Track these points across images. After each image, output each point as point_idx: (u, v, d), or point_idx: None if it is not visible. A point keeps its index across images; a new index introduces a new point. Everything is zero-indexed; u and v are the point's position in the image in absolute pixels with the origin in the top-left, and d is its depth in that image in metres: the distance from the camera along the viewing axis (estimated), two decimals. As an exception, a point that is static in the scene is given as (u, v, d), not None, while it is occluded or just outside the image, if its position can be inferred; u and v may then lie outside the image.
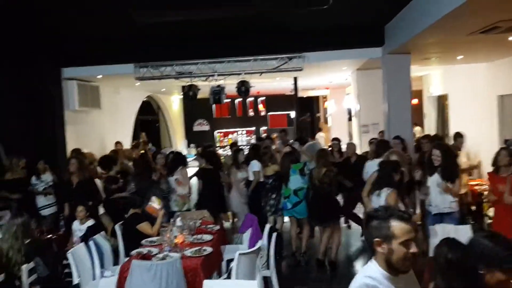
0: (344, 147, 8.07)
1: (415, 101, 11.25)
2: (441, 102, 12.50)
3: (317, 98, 18.84)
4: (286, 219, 6.91)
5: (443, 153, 5.20)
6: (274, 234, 4.86)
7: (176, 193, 6.81)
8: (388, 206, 2.32)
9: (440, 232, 4.51)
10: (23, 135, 7.66)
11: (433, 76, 12.38)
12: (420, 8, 6.04)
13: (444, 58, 9.22)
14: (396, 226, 2.00)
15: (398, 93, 7.94)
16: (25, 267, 4.07)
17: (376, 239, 2.02)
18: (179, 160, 7.16)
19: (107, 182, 6.55)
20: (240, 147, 8.53)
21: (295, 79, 11.45)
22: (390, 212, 2.06)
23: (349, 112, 13.85)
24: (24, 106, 7.80)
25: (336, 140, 8.09)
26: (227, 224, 7.94)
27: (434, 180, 5.23)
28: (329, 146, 8.71)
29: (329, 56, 8.41)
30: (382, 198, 4.53)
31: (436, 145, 5.51)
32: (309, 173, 6.23)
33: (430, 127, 12.76)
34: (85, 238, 4.99)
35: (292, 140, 9.09)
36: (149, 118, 14.63)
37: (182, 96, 13.58)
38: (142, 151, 9.77)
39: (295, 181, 6.28)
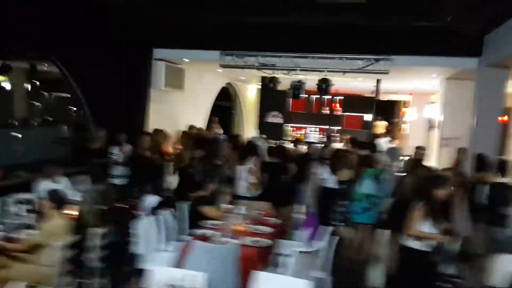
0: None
1: (504, 118, 10.41)
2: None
3: (397, 102, 18.09)
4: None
5: None
6: (335, 238, 4.77)
7: (249, 181, 6.88)
8: None
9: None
10: (112, 108, 8.20)
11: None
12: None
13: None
14: None
15: (489, 108, 7.42)
16: (99, 231, 4.37)
17: None
18: (251, 150, 7.21)
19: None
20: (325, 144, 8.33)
21: (378, 81, 11.07)
22: None
23: (430, 122, 13.13)
24: (116, 81, 8.34)
25: (421, 149, 7.63)
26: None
27: None
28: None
29: (419, 61, 8.02)
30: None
31: None
32: (398, 180, 6.00)
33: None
34: (154, 212, 5.25)
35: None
36: (225, 104, 14.95)
37: (259, 86, 13.74)
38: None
39: (367, 186, 6.09)
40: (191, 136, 8.90)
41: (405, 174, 5.90)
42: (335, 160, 6.88)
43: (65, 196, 4.44)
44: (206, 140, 7.98)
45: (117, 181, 7.32)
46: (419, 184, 4.55)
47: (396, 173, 6.21)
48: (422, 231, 4.22)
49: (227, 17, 6.95)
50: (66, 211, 4.49)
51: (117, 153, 7.45)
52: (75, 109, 10.35)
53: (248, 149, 7.20)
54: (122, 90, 8.50)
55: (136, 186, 6.19)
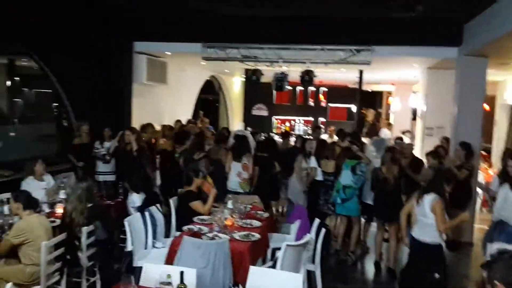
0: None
1: (486, 107, 10.59)
2: (516, 111, 11.68)
3: (380, 93, 18.25)
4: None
5: None
6: (323, 230, 4.82)
7: (242, 176, 6.88)
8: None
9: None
10: (94, 102, 8.07)
11: (509, 83, 11.58)
12: (506, 9, 5.62)
13: (526, 65, 8.58)
14: None
15: (470, 97, 7.51)
16: (85, 229, 4.33)
17: (497, 283, 2.14)
18: (246, 146, 7.19)
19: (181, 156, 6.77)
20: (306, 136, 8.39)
21: (361, 72, 11.14)
22: None
23: (414, 112, 13.30)
24: (97, 76, 8.20)
25: (400, 139, 7.77)
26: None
27: (504, 192, 4.96)
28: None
29: (400, 51, 8.05)
30: (425, 203, 4.30)
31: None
32: (374, 170, 6.07)
33: (499, 136, 12.01)
34: (141, 208, 5.21)
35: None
36: (209, 97, 14.88)
37: (243, 79, 13.70)
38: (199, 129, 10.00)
39: (345, 177, 6.16)
40: (172, 130, 8.83)
41: (382, 165, 5.95)
42: (322, 152, 6.94)
43: (30, 196, 4.34)
44: (186, 134, 7.92)
45: (102, 178, 7.25)
46: (433, 179, 4.53)
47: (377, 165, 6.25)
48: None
49: (208, 9, 6.87)
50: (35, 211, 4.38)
51: (101, 148, 7.36)
52: (56, 105, 10.17)
53: (243, 145, 7.15)
54: (104, 85, 8.36)
55: (122, 182, 6.13)
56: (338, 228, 6.55)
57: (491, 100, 12.41)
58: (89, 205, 4.49)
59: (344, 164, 6.23)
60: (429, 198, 4.29)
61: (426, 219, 4.29)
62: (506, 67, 8.92)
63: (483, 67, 7.49)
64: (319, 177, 6.76)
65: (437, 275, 4.22)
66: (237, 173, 6.84)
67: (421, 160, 6.92)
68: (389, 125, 10.06)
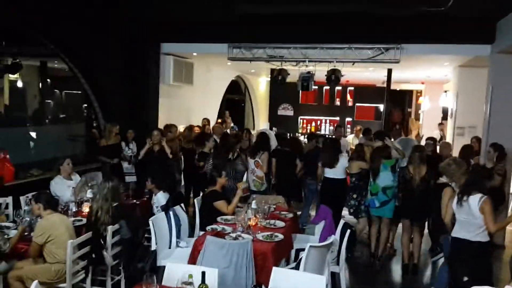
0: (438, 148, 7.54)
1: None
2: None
3: (410, 92, 17.85)
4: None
5: None
6: (348, 231, 4.72)
7: (255, 173, 6.90)
8: None
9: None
10: (121, 103, 8.23)
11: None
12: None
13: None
14: None
15: (503, 96, 7.23)
16: (110, 228, 4.38)
17: None
18: (263, 144, 7.18)
19: (201, 158, 6.83)
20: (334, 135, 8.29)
21: (389, 70, 10.90)
22: None
23: (444, 111, 12.92)
24: (125, 77, 8.34)
25: (431, 139, 7.51)
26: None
27: None
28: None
29: (430, 49, 7.84)
30: (472, 204, 4.13)
31: None
32: (401, 169, 5.90)
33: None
34: (165, 208, 5.25)
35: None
36: (235, 97, 14.92)
37: (269, 79, 13.67)
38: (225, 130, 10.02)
39: (385, 178, 5.90)
40: (191, 131, 8.87)
41: (409, 164, 5.77)
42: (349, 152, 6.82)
43: (50, 196, 4.43)
44: (207, 135, 7.94)
45: (129, 178, 7.37)
46: (474, 179, 4.33)
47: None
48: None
49: (234, 9, 6.86)
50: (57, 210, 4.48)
51: (128, 149, 7.48)
52: (86, 105, 10.42)
53: (261, 143, 7.15)
54: (131, 86, 8.51)
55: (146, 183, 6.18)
56: (375, 232, 6.29)
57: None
58: (115, 204, 4.55)
59: (382, 165, 5.98)
60: (476, 198, 4.12)
61: (473, 219, 4.13)
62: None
63: (518, 64, 7.21)
64: (343, 176, 6.62)
65: (466, 278, 4.07)
66: (251, 171, 6.83)
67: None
68: (417, 136, 9.66)
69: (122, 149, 7.49)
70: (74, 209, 5.23)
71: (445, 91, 13.07)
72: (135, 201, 5.84)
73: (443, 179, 5.19)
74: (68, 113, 12.11)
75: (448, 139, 10.38)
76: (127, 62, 8.39)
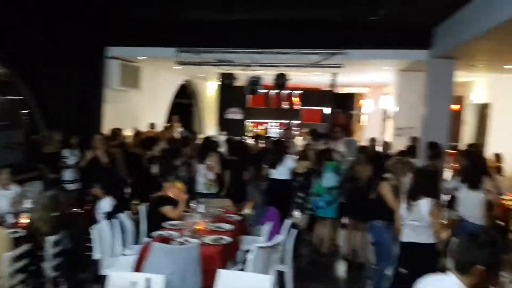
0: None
1: (456, 107, 10.86)
2: (483, 110, 12.01)
3: (354, 95, 18.48)
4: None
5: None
6: (294, 230, 4.82)
7: (208, 177, 6.89)
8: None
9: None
10: (64, 109, 7.92)
11: (477, 83, 11.89)
12: (472, 14, 5.79)
13: (491, 66, 8.85)
14: (504, 258, 2.15)
15: (439, 98, 7.70)
16: (50, 239, 4.22)
17: (479, 266, 2.08)
18: (210, 146, 7.19)
19: (149, 162, 6.69)
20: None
21: (334, 74, 11.24)
22: (499, 243, 2.14)
23: (385, 113, 13.51)
24: (68, 82, 8.04)
25: (372, 140, 7.84)
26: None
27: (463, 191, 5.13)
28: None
29: (372, 54, 8.22)
30: (422, 208, 4.20)
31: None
32: (348, 169, 6.11)
33: (468, 135, 12.31)
34: (109, 215, 5.12)
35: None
36: (184, 101, 14.79)
37: (218, 83, 13.67)
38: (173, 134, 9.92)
39: (329, 179, 6.14)
40: (139, 136, 8.74)
41: (356, 164, 6.01)
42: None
43: None
44: (154, 140, 7.85)
45: (70, 186, 7.10)
46: (424, 181, 4.36)
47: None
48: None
49: (182, 14, 6.84)
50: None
51: (70, 156, 7.21)
52: (27, 112, 9.93)
53: (206, 146, 7.16)
54: (75, 91, 8.23)
55: (90, 190, 6.00)
56: (321, 232, 6.47)
57: (461, 100, 12.74)
58: (55, 214, 4.38)
59: (325, 167, 6.19)
60: (426, 202, 4.18)
61: (424, 223, 4.19)
62: (473, 69, 9.16)
63: (452, 69, 7.71)
64: (289, 177, 6.76)
65: (403, 270, 4.26)
66: (202, 175, 6.85)
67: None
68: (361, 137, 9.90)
69: (65, 156, 7.20)
70: (11, 221, 4.97)
71: (386, 94, 13.67)
72: (77, 210, 5.65)
73: (388, 176, 5.41)
74: (7, 120, 11.48)
75: (388, 139, 10.87)
76: (71, 66, 8.10)
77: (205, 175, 6.87)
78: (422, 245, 4.22)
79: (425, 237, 4.21)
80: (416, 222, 4.22)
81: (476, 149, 7.68)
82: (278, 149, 6.90)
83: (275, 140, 7.63)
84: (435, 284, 2.27)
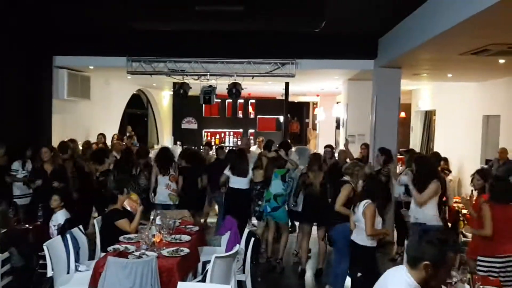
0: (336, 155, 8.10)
1: (402, 114, 11.39)
2: (429, 117, 12.68)
3: (307, 104, 18.93)
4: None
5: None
6: (252, 239, 4.87)
7: (171, 188, 6.81)
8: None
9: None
10: (9, 121, 7.56)
11: (422, 91, 12.55)
12: (414, 25, 6.12)
13: (435, 75, 9.36)
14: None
15: (386, 106, 8.03)
16: (-1, 257, 4.03)
17: (426, 262, 2.19)
18: (170, 157, 7.12)
19: (103, 176, 6.53)
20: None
21: (287, 84, 11.48)
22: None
23: (337, 121, 13.93)
24: (13, 91, 7.70)
25: (329, 147, 8.01)
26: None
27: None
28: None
29: (322, 64, 8.48)
30: (359, 209, 4.57)
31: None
32: (300, 175, 6.27)
33: (415, 141, 12.93)
34: (62, 231, 4.94)
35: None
36: (137, 111, 14.55)
37: (172, 92, 13.57)
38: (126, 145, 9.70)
39: (276, 186, 6.30)
40: (90, 147, 8.51)
41: (308, 171, 6.19)
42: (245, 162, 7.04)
43: None
44: (105, 152, 7.68)
45: (20, 201, 6.77)
46: (367, 188, 4.76)
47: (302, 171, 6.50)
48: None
49: (131, 23, 6.73)
50: None
51: (19, 169, 6.88)
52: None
53: (166, 157, 7.07)
54: (22, 101, 7.89)
55: (40, 204, 5.75)
56: (266, 236, 6.62)
57: (408, 108, 13.39)
58: (3, 230, 4.19)
59: (273, 174, 6.36)
60: (362, 204, 4.55)
61: (361, 224, 4.54)
62: (418, 77, 9.66)
63: (397, 77, 8.08)
64: (246, 186, 6.84)
65: (359, 274, 4.45)
66: (165, 185, 6.77)
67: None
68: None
69: (14, 170, 6.86)
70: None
71: (337, 102, 14.11)
72: (27, 225, 5.40)
73: (346, 178, 5.60)
74: None
75: (341, 146, 11.20)
76: (17, 76, 7.76)
77: (168, 186, 6.78)
78: (356, 244, 4.62)
79: (360, 238, 4.59)
80: (357, 223, 4.63)
81: (421, 155, 8.06)
82: (242, 158, 6.95)
83: (239, 149, 7.66)
84: (390, 273, 2.42)
